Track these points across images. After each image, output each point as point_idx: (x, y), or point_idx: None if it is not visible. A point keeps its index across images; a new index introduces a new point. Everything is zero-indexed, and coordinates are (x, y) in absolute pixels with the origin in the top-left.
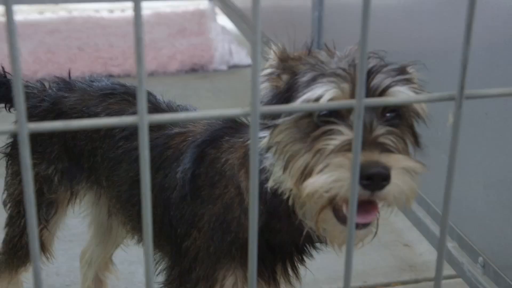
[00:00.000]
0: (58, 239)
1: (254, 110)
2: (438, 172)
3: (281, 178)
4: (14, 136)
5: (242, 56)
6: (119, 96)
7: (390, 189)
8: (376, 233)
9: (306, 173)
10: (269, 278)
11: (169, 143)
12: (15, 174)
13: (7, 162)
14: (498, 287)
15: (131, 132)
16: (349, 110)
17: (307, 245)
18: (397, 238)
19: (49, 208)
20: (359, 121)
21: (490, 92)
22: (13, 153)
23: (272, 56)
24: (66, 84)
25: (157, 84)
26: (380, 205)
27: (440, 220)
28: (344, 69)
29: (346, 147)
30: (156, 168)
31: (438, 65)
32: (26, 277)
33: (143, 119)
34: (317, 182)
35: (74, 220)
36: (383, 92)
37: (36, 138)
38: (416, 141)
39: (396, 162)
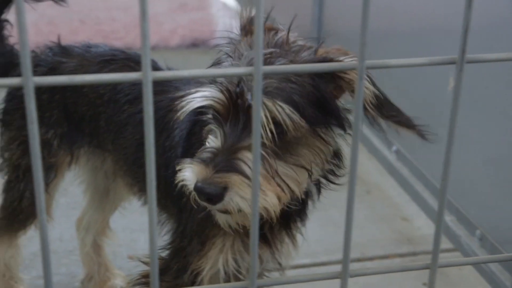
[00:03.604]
0: (62, 206)
1: (257, 70)
2: (436, 146)
3: None
4: (7, 102)
5: None
6: (121, 62)
7: (229, 200)
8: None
9: None
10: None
11: (171, 106)
12: (11, 139)
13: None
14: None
15: (136, 96)
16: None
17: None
18: (396, 212)
19: (48, 172)
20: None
21: (491, 57)
22: (6, 119)
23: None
24: (62, 49)
25: (158, 58)
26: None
27: (438, 193)
28: (221, 82)
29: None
30: (159, 130)
31: (441, 41)
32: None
33: (147, 75)
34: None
35: (76, 189)
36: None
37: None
38: (341, 124)
39: (231, 179)
